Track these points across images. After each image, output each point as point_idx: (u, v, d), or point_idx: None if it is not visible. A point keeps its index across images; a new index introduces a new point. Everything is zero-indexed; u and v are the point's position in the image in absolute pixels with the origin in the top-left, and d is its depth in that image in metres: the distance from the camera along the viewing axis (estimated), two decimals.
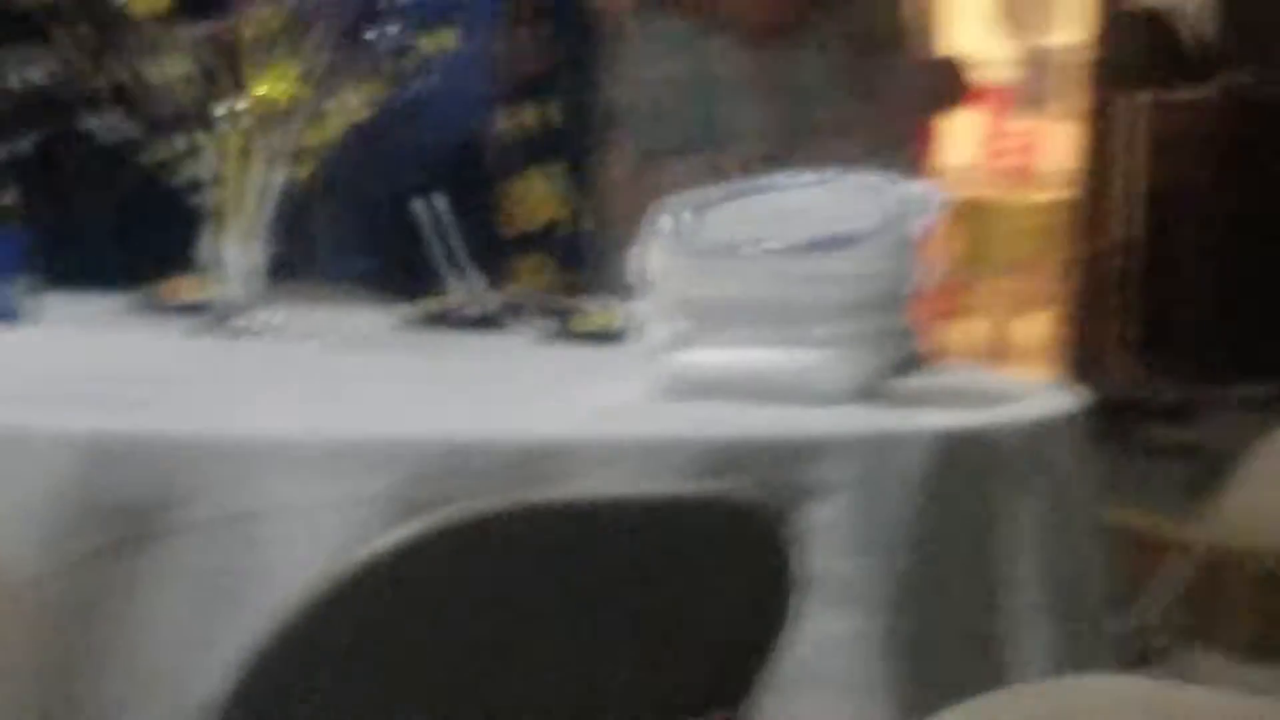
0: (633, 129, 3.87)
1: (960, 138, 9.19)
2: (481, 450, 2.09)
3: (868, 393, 2.42)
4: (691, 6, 3.84)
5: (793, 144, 3.70)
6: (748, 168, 3.47)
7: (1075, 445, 2.58)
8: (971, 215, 9.26)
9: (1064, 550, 2.46)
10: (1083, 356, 8.01)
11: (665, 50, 3.84)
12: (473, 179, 3.92)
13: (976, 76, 9.55)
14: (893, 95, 3.84)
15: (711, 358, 2.43)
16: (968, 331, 9.14)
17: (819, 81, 3.80)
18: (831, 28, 3.83)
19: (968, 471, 2.35)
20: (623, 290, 2.57)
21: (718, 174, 3.43)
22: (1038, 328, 9.21)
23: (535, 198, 4.08)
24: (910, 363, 2.49)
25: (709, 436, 2.22)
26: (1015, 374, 8.25)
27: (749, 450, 2.22)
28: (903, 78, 3.91)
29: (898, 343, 2.45)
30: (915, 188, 2.49)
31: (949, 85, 4.22)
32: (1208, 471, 4.93)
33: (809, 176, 2.50)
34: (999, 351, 9.19)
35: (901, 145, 3.82)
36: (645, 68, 3.86)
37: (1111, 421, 5.64)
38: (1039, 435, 2.48)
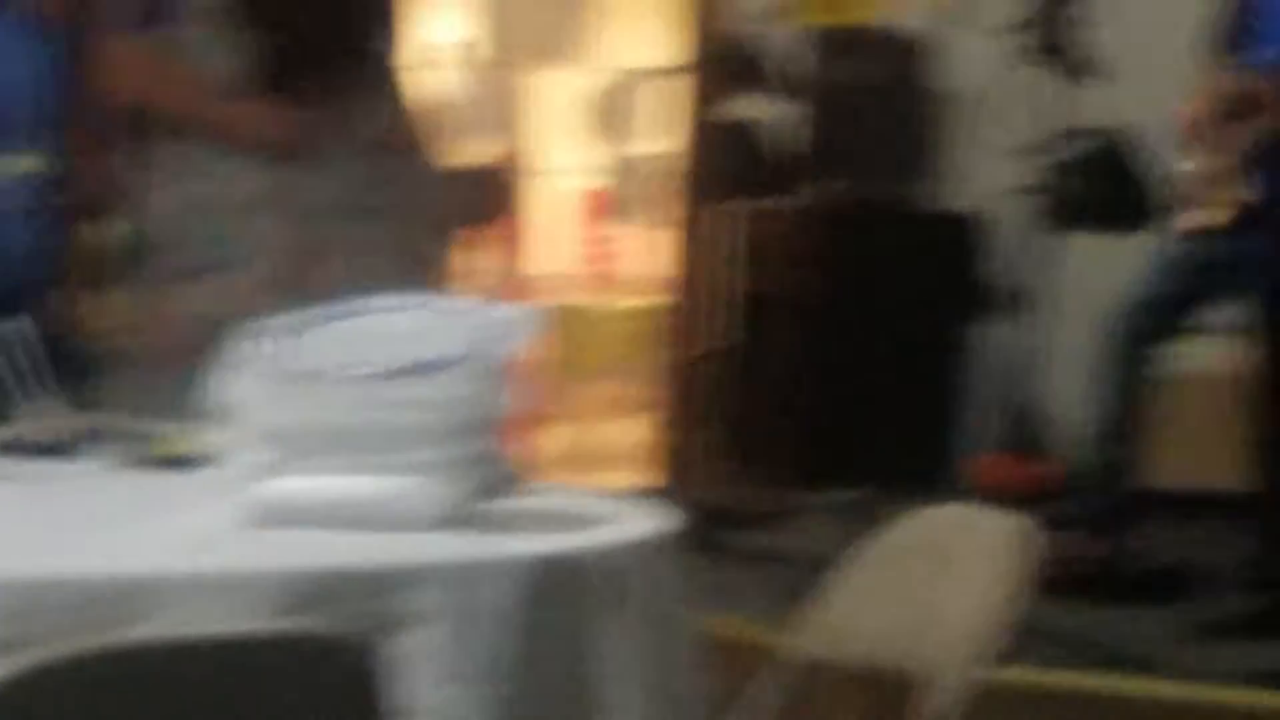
0: (161, 251, 3.82)
1: (553, 244, 9.27)
2: (63, 586, 2.03)
3: (458, 519, 2.40)
4: (209, 128, 3.80)
5: (308, 265, 3.68)
6: (261, 290, 3.47)
7: (670, 564, 2.59)
8: (565, 321, 9.33)
9: (664, 669, 2.47)
10: (675, 463, 8.09)
11: (189, 173, 3.80)
12: (47, 298, 3.83)
13: (567, 184, 9.73)
14: (413, 210, 3.85)
15: (299, 486, 2.38)
16: (560, 438, 9.19)
17: (333, 201, 3.79)
18: (344, 146, 3.82)
19: (562, 596, 2.34)
20: (202, 415, 2.51)
21: (233, 296, 3.43)
22: (631, 434, 9.30)
23: (115, 314, 3.99)
24: (501, 486, 2.48)
25: (298, 568, 2.17)
26: (607, 481, 8.33)
27: (339, 580, 2.18)
28: (425, 193, 3.92)
29: (488, 467, 2.44)
30: (505, 311, 2.49)
31: (481, 198, 4.25)
32: (801, 578, 5.03)
33: (398, 301, 2.48)
34: (591, 458, 9.25)
35: (426, 261, 3.83)
36: (172, 191, 3.82)
37: (704, 529, 5.73)
38: (633, 556, 2.48)
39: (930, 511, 3.06)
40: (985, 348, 7.53)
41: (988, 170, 6.22)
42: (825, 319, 7.38)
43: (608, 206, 9.98)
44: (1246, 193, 4.80)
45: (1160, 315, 5.90)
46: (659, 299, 8.74)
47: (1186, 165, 5.18)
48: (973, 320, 7.57)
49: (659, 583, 2.53)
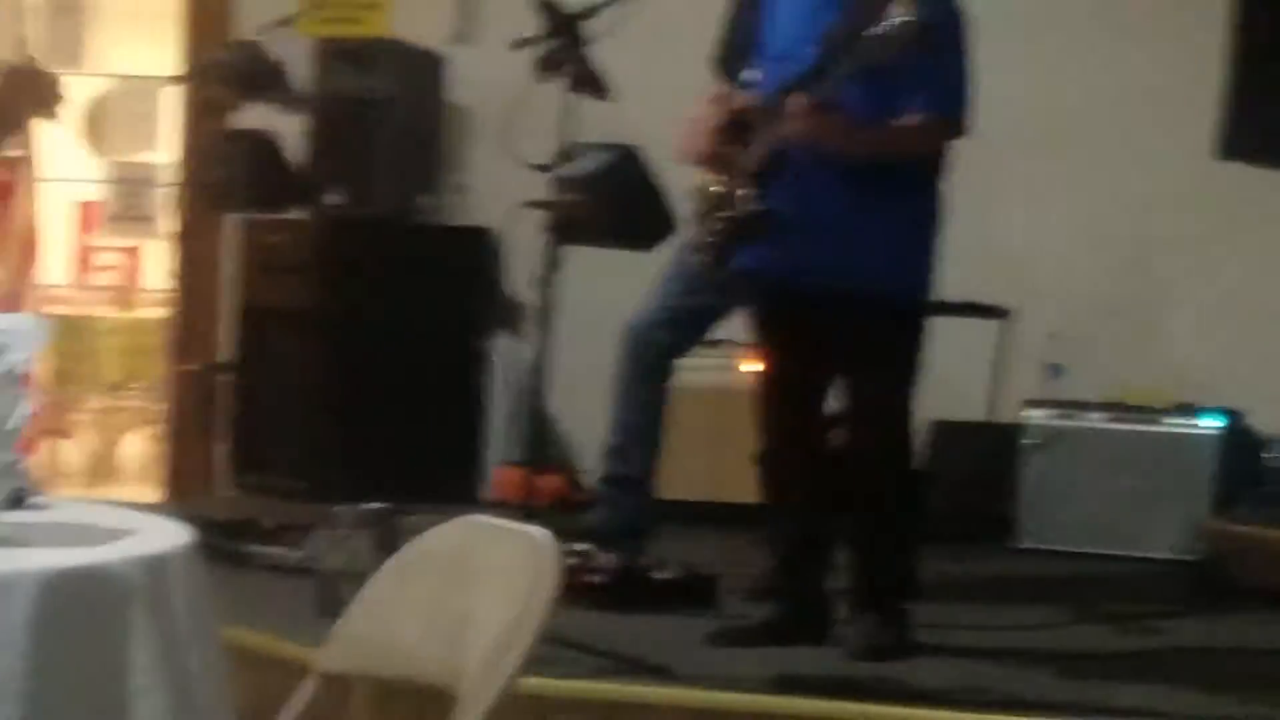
0: None
1: (52, 255, 9.01)
2: None
3: None
4: None
5: None
6: None
7: (194, 577, 2.53)
8: (70, 334, 9.09)
9: (190, 681, 2.42)
10: (186, 476, 7.96)
11: None
12: None
13: (66, 194, 9.46)
14: None
15: None
16: (71, 451, 8.96)
17: None
18: None
19: (82, 610, 2.27)
20: None
21: None
22: (141, 447, 9.12)
23: None
24: (19, 498, 2.40)
25: None
26: (117, 494, 8.14)
27: None
28: None
29: (6, 479, 2.35)
30: (12, 320, 2.40)
31: None
32: (326, 591, 4.99)
33: None
34: (103, 472, 9.05)
35: None
36: None
37: (220, 542, 5.63)
38: (155, 569, 2.43)
39: (453, 524, 3.06)
40: (503, 361, 7.60)
41: (501, 184, 6.25)
42: (335, 332, 7.33)
43: (107, 217, 9.75)
44: (750, 211, 4.92)
45: (673, 329, 6.03)
46: (161, 311, 8.59)
47: (696, 182, 5.29)
48: (490, 333, 7.63)
49: (183, 596, 2.48)
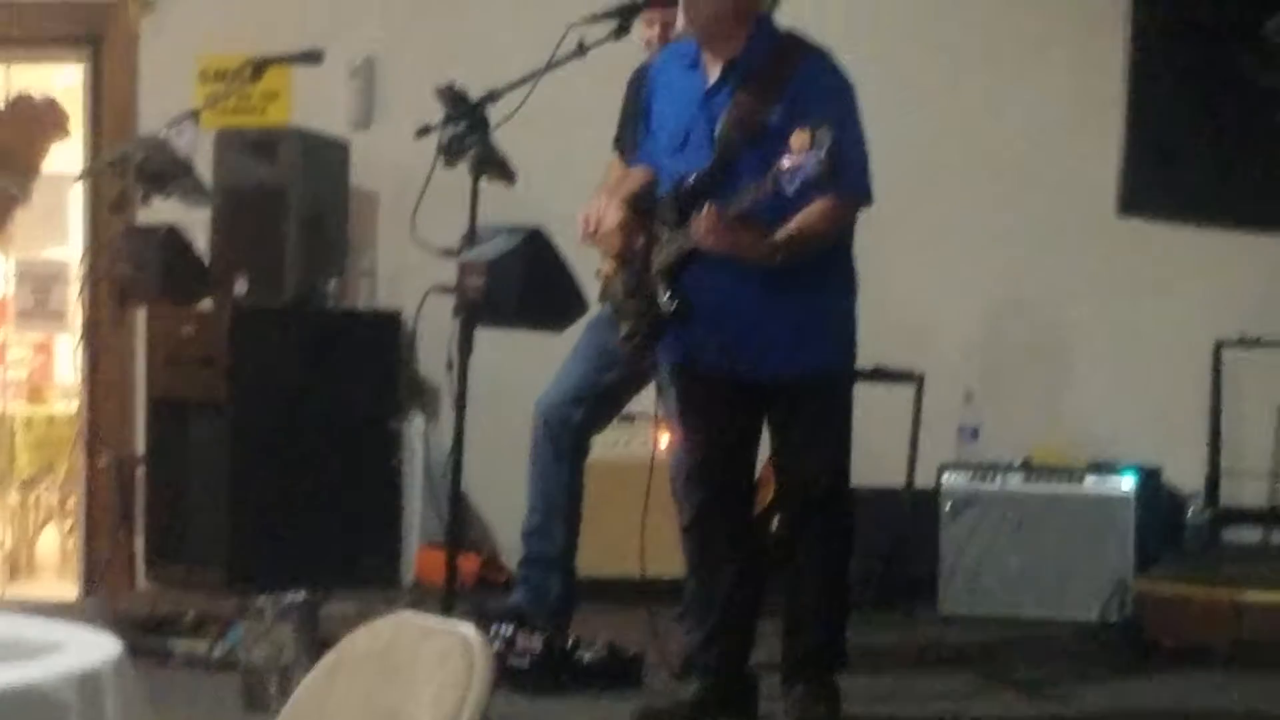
0: None
1: None
2: None
3: None
4: None
5: None
6: None
7: (123, 688, 2.51)
8: None
9: None
10: (101, 570, 7.90)
11: None
12: None
13: None
14: None
15: None
16: None
17: None
18: None
19: None
20: None
21: None
22: (55, 541, 9.06)
23: None
24: None
25: None
26: (31, 591, 8.07)
27: None
28: None
29: None
30: None
31: None
32: (252, 684, 4.95)
33: None
34: (18, 566, 8.99)
35: None
36: None
37: (140, 638, 5.57)
38: (87, 686, 2.40)
39: (384, 621, 3.03)
40: (419, 443, 7.58)
41: (410, 268, 6.26)
42: (248, 420, 7.29)
43: (17, 313, 9.69)
44: (666, 305, 4.94)
45: (587, 406, 6.03)
46: (73, 405, 8.54)
47: (605, 270, 5.31)
48: (404, 416, 7.60)
49: (117, 711, 2.45)
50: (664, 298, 4.93)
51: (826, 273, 4.98)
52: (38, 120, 6.34)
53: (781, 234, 4.81)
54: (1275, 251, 7.02)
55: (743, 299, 4.91)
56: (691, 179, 4.89)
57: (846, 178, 4.78)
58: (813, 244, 4.86)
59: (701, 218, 4.77)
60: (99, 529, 8.01)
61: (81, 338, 8.10)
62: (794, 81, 4.87)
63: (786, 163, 4.57)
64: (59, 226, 9.41)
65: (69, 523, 8.69)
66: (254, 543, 7.19)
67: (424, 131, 5.09)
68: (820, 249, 4.90)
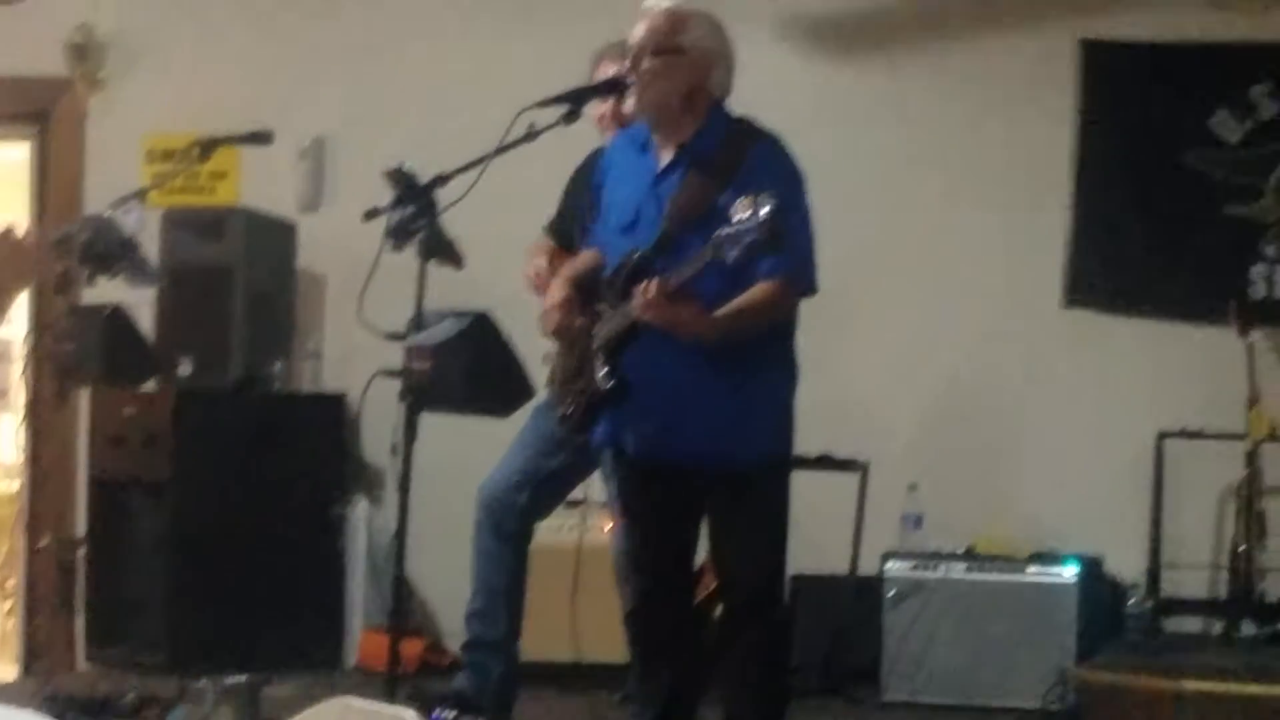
0: None
1: None
2: None
3: None
4: None
5: None
6: None
7: None
8: None
9: None
10: (43, 651, 7.85)
11: None
12: None
13: None
14: None
15: None
16: None
17: None
18: None
19: None
20: None
21: None
22: None
23: None
24: None
25: None
26: None
27: None
28: None
29: None
30: None
31: None
32: None
33: None
34: None
35: None
36: None
37: (78, 718, 5.53)
38: None
39: (327, 705, 3.03)
40: (363, 526, 7.56)
41: (356, 351, 6.26)
42: (191, 502, 7.26)
43: None
44: (605, 384, 4.95)
45: (532, 491, 6.02)
46: (14, 485, 8.50)
47: (549, 349, 5.32)
48: (348, 499, 7.58)
49: None
50: (601, 374, 4.94)
51: (766, 360, 4.99)
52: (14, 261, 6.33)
53: (721, 312, 4.83)
54: (1218, 344, 7.07)
55: (681, 381, 4.91)
56: (636, 255, 4.91)
57: (791, 263, 4.81)
58: (752, 325, 4.88)
59: (642, 290, 4.79)
60: (39, 610, 7.95)
61: (24, 417, 8.07)
62: (745, 166, 4.90)
63: (727, 230, 4.60)
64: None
65: (9, 604, 8.62)
66: (195, 625, 7.16)
67: (372, 214, 5.10)
68: (760, 331, 4.91)
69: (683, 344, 4.85)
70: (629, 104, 5.12)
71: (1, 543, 9.06)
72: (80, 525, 7.81)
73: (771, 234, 4.56)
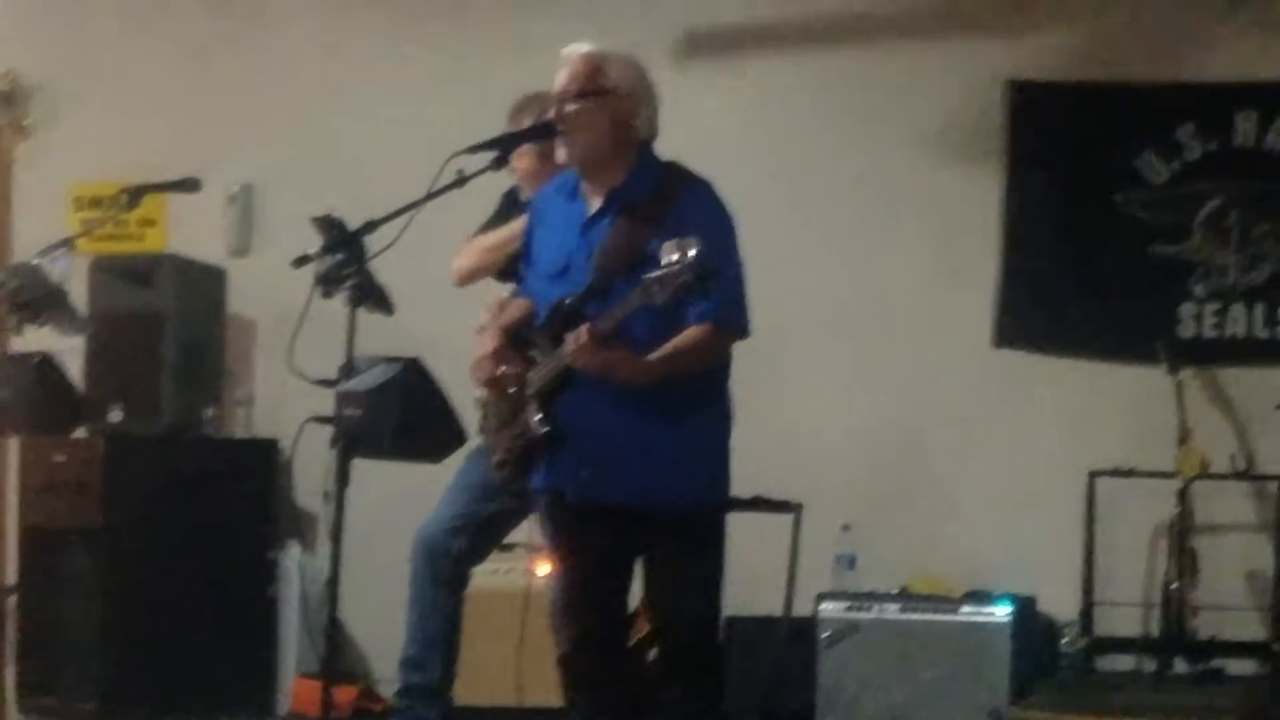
0: None
1: None
2: None
3: None
4: None
5: None
6: None
7: None
8: None
9: None
10: None
11: None
12: None
13: None
14: None
15: None
16: None
17: None
18: None
19: None
20: None
21: None
22: None
23: None
24: None
25: None
26: None
27: None
28: None
29: None
30: None
31: None
32: None
33: None
34: None
35: None
36: None
37: None
38: None
39: None
40: (296, 572, 7.52)
41: (288, 396, 6.23)
42: (123, 549, 7.22)
43: None
44: (539, 431, 4.94)
45: (467, 536, 6.02)
46: None
47: (481, 396, 5.31)
48: (280, 545, 7.55)
49: None
50: (535, 421, 4.94)
51: (701, 403, 4.98)
52: None
53: (653, 356, 4.84)
54: (1149, 383, 7.12)
55: (615, 426, 4.91)
56: (568, 301, 4.92)
57: (722, 306, 4.82)
58: (685, 368, 4.88)
59: (573, 335, 4.80)
60: None
61: None
62: (674, 212, 4.90)
63: (656, 273, 4.62)
64: None
65: None
66: (128, 673, 7.12)
67: (302, 261, 5.08)
68: (693, 374, 4.92)
69: (616, 389, 4.85)
70: (560, 154, 5.10)
71: None
72: (10, 574, 7.74)
73: (700, 276, 4.57)
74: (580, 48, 5.07)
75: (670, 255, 4.60)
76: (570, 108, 5.00)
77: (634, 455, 4.93)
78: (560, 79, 5.04)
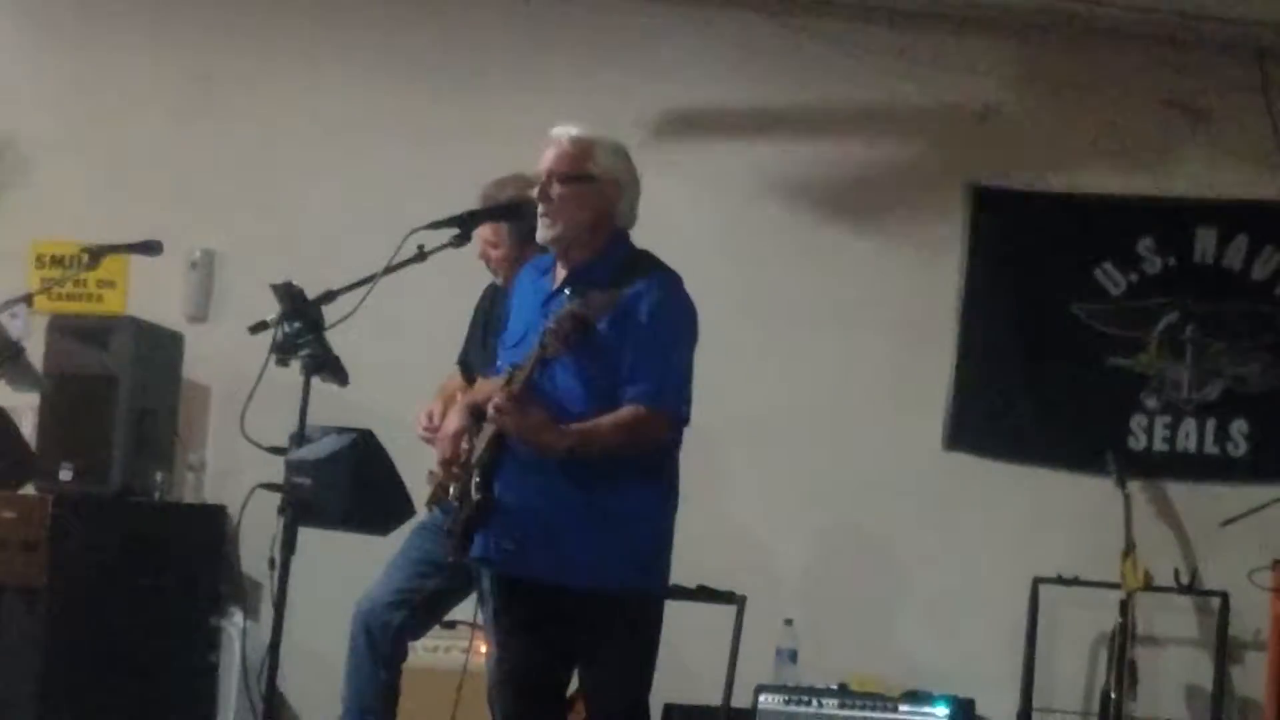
0: None
1: None
2: None
3: None
4: None
5: None
6: None
7: None
8: None
9: None
10: None
11: None
12: None
13: None
14: None
15: None
16: None
17: None
18: None
19: None
20: None
21: None
22: None
23: None
24: None
25: None
26: None
27: None
28: None
29: None
30: None
31: None
32: None
33: None
34: None
35: None
36: None
37: None
38: None
39: None
40: (238, 639, 7.50)
41: (239, 463, 6.23)
42: (66, 609, 7.18)
43: None
44: (476, 498, 4.95)
45: (407, 611, 6.01)
46: None
47: (432, 467, 5.32)
48: (224, 611, 7.52)
49: None
50: (473, 488, 4.95)
51: (636, 481, 4.96)
52: None
53: (575, 425, 4.86)
54: (1095, 492, 7.16)
55: (541, 498, 4.92)
56: (512, 370, 4.93)
57: (658, 390, 4.86)
58: (612, 445, 4.89)
59: (496, 394, 4.83)
60: None
61: None
62: (630, 295, 4.92)
63: (548, 324, 4.74)
64: None
65: None
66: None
67: (259, 328, 5.11)
68: (625, 454, 4.94)
69: (548, 466, 4.86)
70: (540, 234, 5.10)
71: None
72: None
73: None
74: (570, 130, 5.08)
75: (560, 309, 4.72)
76: (556, 190, 5.02)
77: (557, 528, 4.91)
78: (547, 158, 5.05)
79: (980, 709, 7.00)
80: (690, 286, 5.07)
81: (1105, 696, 6.92)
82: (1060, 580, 7.12)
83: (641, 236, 5.13)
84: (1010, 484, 7.41)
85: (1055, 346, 7.40)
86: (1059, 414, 7.39)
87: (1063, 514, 7.31)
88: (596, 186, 5.03)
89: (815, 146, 7.65)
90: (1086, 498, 7.25)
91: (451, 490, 5.12)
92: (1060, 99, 7.46)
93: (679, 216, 7.25)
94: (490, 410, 4.86)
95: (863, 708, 6.78)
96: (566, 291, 4.96)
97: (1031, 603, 7.14)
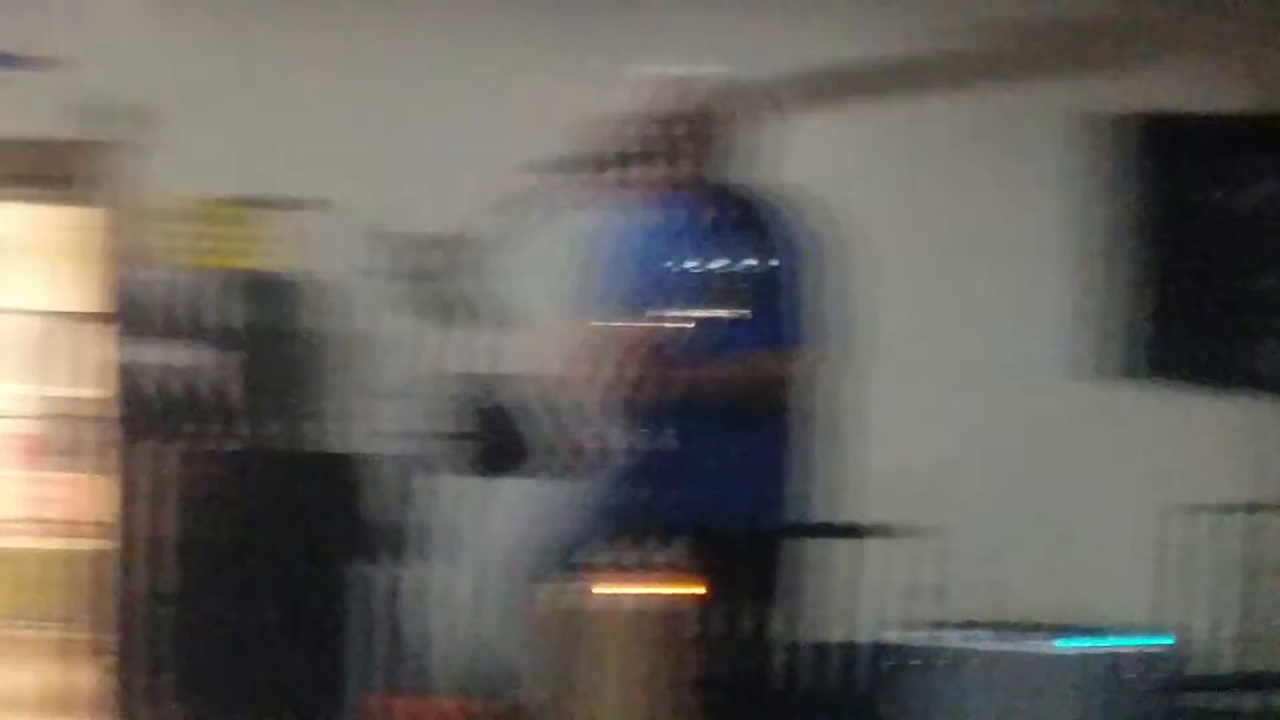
0: None
1: None
2: None
3: None
4: None
5: None
6: None
7: None
8: (7, 565, 9.14)
9: None
10: (128, 708, 7.94)
11: None
12: None
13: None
14: None
15: None
16: (13, 683, 8.93)
17: None
18: None
19: None
20: None
21: None
22: (82, 678, 9.09)
23: None
24: None
25: None
26: None
27: None
28: None
29: None
30: None
31: None
32: None
33: None
34: (45, 703, 9.03)
35: None
36: None
37: None
38: None
39: None
40: (380, 587, 7.60)
41: (376, 412, 6.30)
42: (261, 564, 7.37)
43: (34, 449, 9.84)
44: (629, 439, 4.98)
45: (559, 555, 6.07)
46: (93, 543, 8.61)
47: (571, 412, 5.36)
48: (373, 560, 7.64)
49: None
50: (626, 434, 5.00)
51: (754, 427, 5.03)
52: None
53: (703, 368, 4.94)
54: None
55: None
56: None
57: (778, 330, 4.95)
58: (735, 383, 5.00)
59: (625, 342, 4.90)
60: (127, 667, 8.02)
61: (105, 475, 8.16)
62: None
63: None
64: (68, 365, 9.58)
65: (96, 661, 8.71)
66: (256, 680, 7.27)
67: (389, 276, 5.12)
68: (745, 392, 4.98)
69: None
70: (643, 175, 5.12)
71: (80, 601, 9.14)
72: (161, 585, 7.87)
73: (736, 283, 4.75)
74: (671, 69, 5.08)
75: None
76: (660, 134, 5.03)
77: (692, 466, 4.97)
78: (657, 100, 5.06)
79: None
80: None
81: None
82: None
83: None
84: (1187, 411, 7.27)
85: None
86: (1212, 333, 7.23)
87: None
88: (707, 126, 5.03)
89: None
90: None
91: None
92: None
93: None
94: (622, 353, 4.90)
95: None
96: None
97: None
